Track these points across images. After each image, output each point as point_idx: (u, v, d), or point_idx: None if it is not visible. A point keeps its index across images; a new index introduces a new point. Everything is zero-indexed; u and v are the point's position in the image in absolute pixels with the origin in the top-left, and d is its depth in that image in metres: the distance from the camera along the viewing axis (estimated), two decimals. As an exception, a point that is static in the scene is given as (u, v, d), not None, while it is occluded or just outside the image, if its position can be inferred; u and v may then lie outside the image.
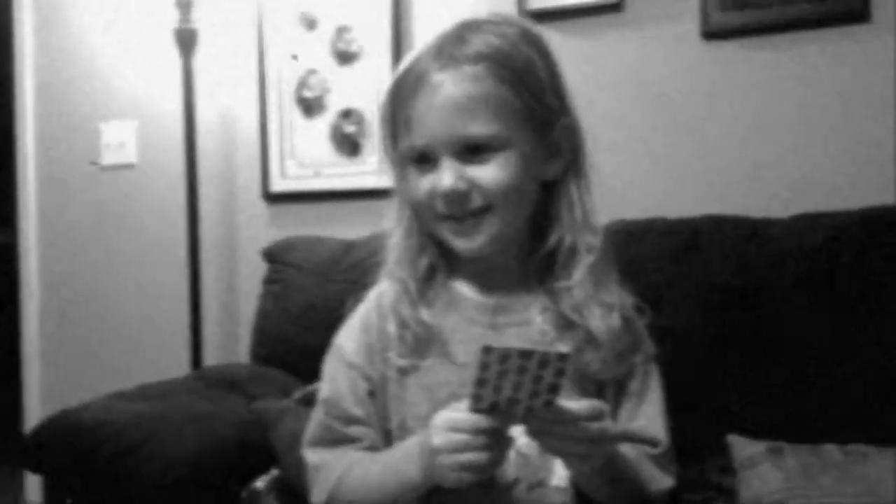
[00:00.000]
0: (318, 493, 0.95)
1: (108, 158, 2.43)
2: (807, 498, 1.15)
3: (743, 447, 1.32)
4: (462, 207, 0.88)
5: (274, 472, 1.47)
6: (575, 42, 1.91)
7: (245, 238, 2.28)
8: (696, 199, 1.75)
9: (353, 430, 0.96)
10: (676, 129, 1.83)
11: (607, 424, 0.79)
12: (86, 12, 2.44)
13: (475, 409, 0.76)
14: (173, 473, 1.36)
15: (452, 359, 0.91)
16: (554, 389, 0.73)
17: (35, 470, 1.48)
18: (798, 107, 1.73)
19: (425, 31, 2.05)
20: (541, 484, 0.87)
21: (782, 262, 1.50)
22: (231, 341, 2.29)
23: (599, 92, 1.89)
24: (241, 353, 2.18)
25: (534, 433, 0.77)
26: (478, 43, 0.88)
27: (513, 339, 0.89)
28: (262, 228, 2.25)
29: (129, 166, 2.40)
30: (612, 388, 0.93)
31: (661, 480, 0.92)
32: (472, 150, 0.87)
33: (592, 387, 0.90)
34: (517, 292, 0.93)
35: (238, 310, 2.28)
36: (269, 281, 2.01)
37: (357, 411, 0.96)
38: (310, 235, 2.03)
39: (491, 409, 0.75)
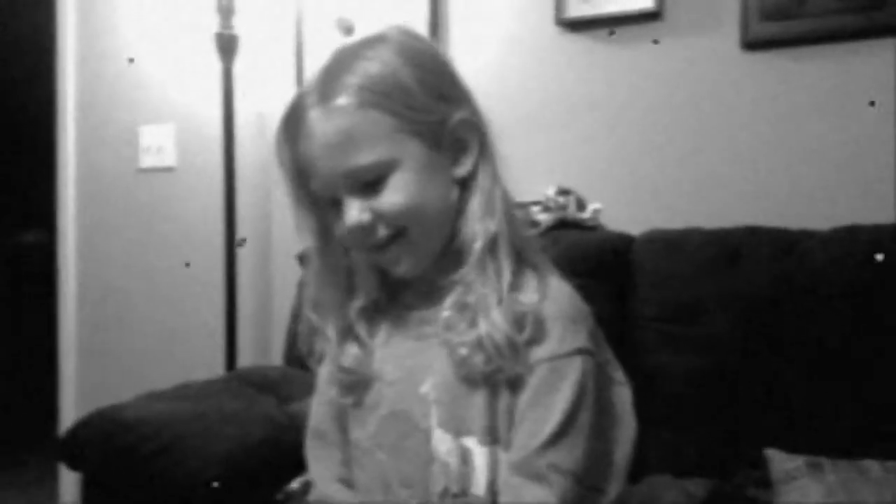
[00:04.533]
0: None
1: (146, 162, 2.46)
2: (848, 513, 1.14)
3: (781, 461, 1.31)
4: (371, 241, 0.88)
5: (308, 475, 1.48)
6: (612, 51, 1.91)
7: (280, 242, 2.30)
8: (733, 210, 1.74)
9: (339, 456, 0.99)
10: (714, 140, 1.82)
11: None
12: (127, 17, 2.49)
13: None
14: (209, 473, 1.38)
15: (384, 378, 0.93)
16: None
17: (74, 467, 1.50)
18: (838, 119, 1.71)
19: (462, 39, 2.06)
20: (464, 493, 0.86)
21: (821, 275, 1.49)
22: (265, 343, 2.31)
23: (637, 101, 1.88)
24: (275, 355, 2.20)
25: None
26: (345, 73, 0.87)
27: (433, 349, 0.89)
28: (297, 233, 2.26)
29: (167, 169, 2.44)
30: (506, 385, 0.86)
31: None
32: (367, 183, 0.86)
33: (505, 386, 0.86)
34: (439, 295, 0.90)
35: (272, 312, 2.30)
36: (303, 284, 2.02)
37: (337, 436, 1.00)
38: (344, 240, 2.05)
39: None
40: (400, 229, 0.87)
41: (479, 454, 0.85)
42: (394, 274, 0.92)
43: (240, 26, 2.19)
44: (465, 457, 0.86)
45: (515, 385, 0.86)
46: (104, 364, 2.52)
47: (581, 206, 1.82)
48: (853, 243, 1.51)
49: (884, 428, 1.39)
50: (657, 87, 1.87)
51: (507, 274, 0.87)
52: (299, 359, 1.91)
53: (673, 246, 1.64)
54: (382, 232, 0.87)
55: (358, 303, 0.95)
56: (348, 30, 2.20)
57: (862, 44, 1.69)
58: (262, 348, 2.30)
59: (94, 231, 2.56)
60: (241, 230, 2.25)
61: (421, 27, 2.09)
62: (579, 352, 0.86)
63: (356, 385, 0.94)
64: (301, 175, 0.90)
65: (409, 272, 0.91)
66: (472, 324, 0.86)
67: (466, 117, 0.90)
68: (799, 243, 1.54)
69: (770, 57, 1.77)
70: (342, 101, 0.85)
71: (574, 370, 0.85)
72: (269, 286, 2.33)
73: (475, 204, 0.89)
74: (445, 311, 0.88)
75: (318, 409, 1.01)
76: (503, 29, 2.03)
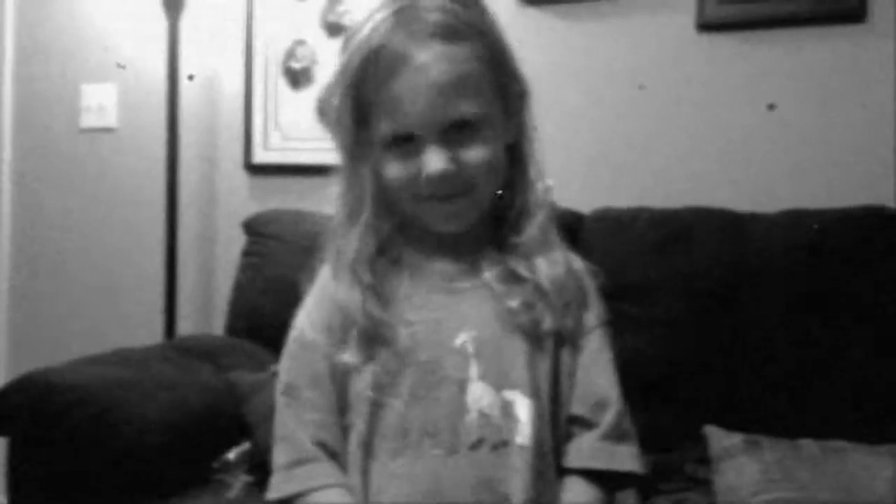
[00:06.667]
0: (273, 492, 0.91)
1: (87, 121, 2.38)
2: (783, 490, 1.15)
3: (719, 438, 1.33)
4: (449, 189, 0.87)
5: (246, 445, 1.45)
6: (569, 27, 1.89)
7: (225, 209, 2.24)
8: (683, 190, 1.74)
9: (312, 417, 0.91)
10: (666, 120, 1.82)
11: None
12: (71, -30, 2.39)
13: None
14: (144, 440, 1.34)
15: (408, 328, 0.89)
16: None
17: (0, 430, 1.44)
18: (790, 103, 1.73)
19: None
20: (504, 444, 0.86)
21: (767, 258, 1.51)
22: (206, 312, 2.25)
23: (590, 79, 1.88)
24: (216, 324, 2.15)
25: None
26: (466, 15, 0.86)
27: (469, 300, 0.90)
28: (243, 200, 2.21)
29: (108, 130, 2.35)
30: (568, 348, 0.92)
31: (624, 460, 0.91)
32: (456, 131, 0.86)
33: (549, 344, 0.90)
34: (470, 252, 0.93)
35: (215, 280, 2.25)
36: (248, 253, 1.98)
37: (312, 395, 0.92)
38: (291, 209, 2.00)
39: None
40: (472, 185, 0.88)
41: (523, 406, 0.87)
42: (439, 228, 0.91)
43: (188, -18, 2.12)
44: (507, 409, 0.87)
45: (561, 344, 0.91)
46: (36, 330, 2.44)
47: (532, 182, 1.81)
48: (799, 227, 1.53)
49: (820, 410, 1.42)
50: (611, 66, 1.86)
51: (557, 241, 0.93)
52: (243, 329, 1.90)
53: (622, 225, 1.64)
54: (456, 184, 0.87)
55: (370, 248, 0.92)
56: (301, -7, 2.15)
57: (816, 29, 1.70)
58: (204, 317, 2.25)
59: (31, 192, 2.46)
60: (184, 195, 2.18)
61: None
62: (610, 323, 0.96)
63: (368, 342, 0.89)
64: (382, 114, 0.86)
65: (459, 228, 0.91)
66: (514, 283, 0.90)
67: (523, 88, 0.93)
68: (747, 225, 1.56)
69: (725, 39, 1.77)
70: (467, 47, 0.85)
71: (611, 337, 0.96)
72: (212, 253, 2.27)
73: (532, 173, 0.93)
74: (486, 271, 0.91)
75: (293, 364, 0.95)
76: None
